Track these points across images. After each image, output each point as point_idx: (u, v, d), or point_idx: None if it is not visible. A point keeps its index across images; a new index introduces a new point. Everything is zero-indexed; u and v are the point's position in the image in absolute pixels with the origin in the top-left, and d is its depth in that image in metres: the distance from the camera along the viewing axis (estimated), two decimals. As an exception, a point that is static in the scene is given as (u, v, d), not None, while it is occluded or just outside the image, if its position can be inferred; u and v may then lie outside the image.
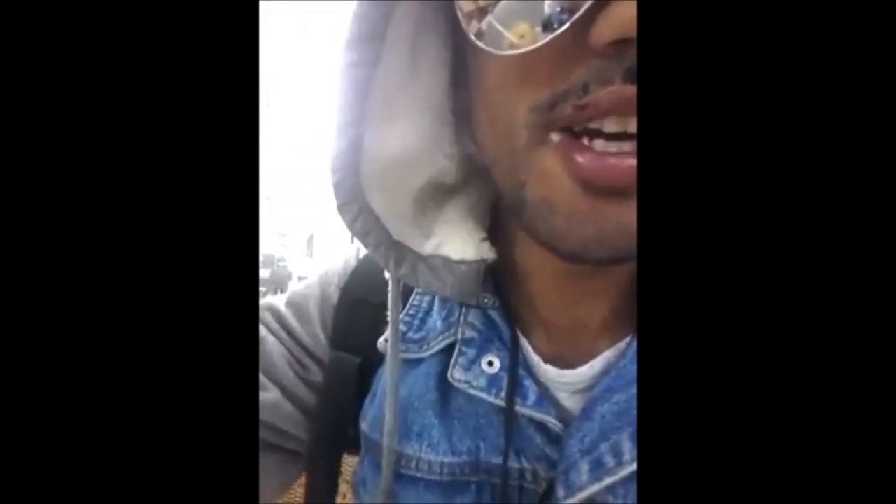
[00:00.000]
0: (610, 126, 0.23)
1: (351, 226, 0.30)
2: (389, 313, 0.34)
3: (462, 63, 0.30)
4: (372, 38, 0.26)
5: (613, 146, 0.23)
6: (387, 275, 0.34)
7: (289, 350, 0.39)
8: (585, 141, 0.23)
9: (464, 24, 0.23)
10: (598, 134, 0.23)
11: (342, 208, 0.30)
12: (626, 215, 0.23)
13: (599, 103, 0.22)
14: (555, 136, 0.24)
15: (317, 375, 0.40)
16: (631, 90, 0.21)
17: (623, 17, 0.20)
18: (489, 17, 0.22)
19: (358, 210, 0.30)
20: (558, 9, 0.21)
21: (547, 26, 0.21)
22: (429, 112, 0.31)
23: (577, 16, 0.20)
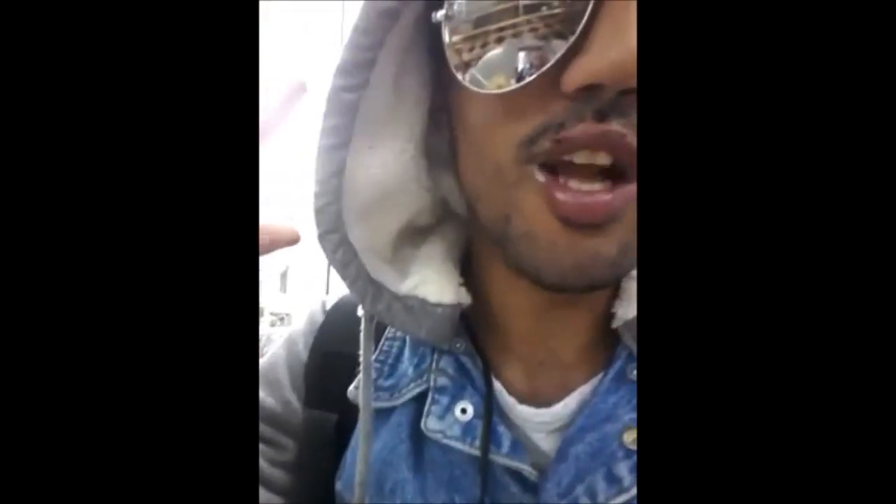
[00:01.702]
0: (580, 158, 0.25)
1: (331, 256, 0.30)
2: (362, 353, 0.33)
3: (440, 106, 0.32)
4: (363, 65, 0.27)
5: (587, 186, 0.25)
6: (360, 311, 0.34)
7: (262, 439, 0.38)
8: (563, 180, 0.25)
9: (454, 72, 0.25)
10: (570, 167, 0.25)
11: (323, 237, 0.30)
12: (600, 246, 0.25)
13: (575, 138, 0.24)
14: (539, 176, 0.26)
15: (291, 453, 0.38)
16: (600, 128, 0.24)
17: (589, 65, 0.22)
18: (471, 70, 0.25)
19: (338, 241, 0.30)
20: (528, 64, 0.23)
21: (520, 79, 0.24)
22: (410, 145, 0.31)
23: (544, 68, 0.23)
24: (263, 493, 0.36)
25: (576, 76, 0.22)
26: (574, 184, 0.25)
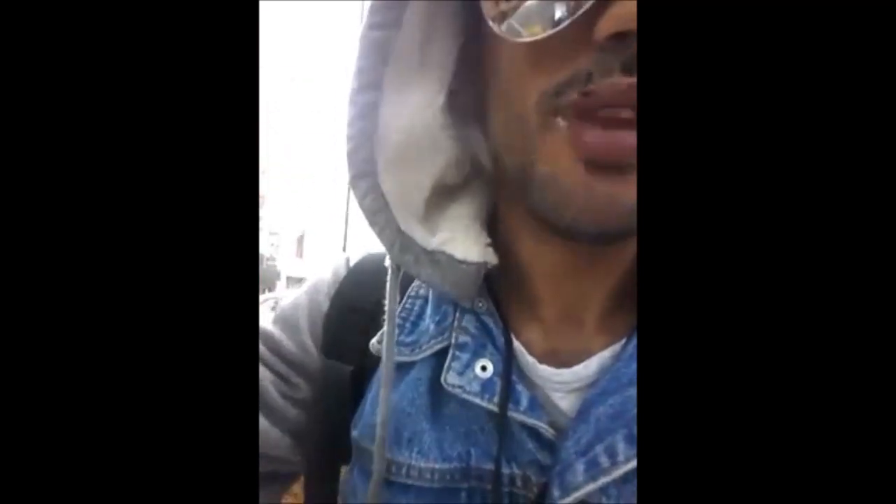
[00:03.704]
0: (604, 112, 0.25)
1: (361, 201, 0.31)
2: (387, 302, 0.34)
3: (470, 60, 0.32)
4: (396, 2, 0.27)
5: (612, 125, 0.25)
6: (387, 262, 0.34)
7: (276, 373, 0.39)
8: (588, 123, 0.25)
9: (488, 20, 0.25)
10: (593, 117, 0.25)
11: (354, 182, 0.30)
12: (620, 191, 0.25)
13: (601, 92, 0.24)
14: (561, 122, 0.26)
15: (305, 392, 0.39)
16: (628, 80, 0.24)
17: (622, 12, 0.22)
18: (509, 20, 0.25)
19: (369, 187, 0.30)
20: (566, 12, 0.23)
21: (556, 26, 0.24)
22: (440, 96, 0.31)
23: (579, 13, 0.23)
24: (272, 428, 0.38)
25: (609, 22, 0.22)
26: (599, 126, 0.25)
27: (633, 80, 0.23)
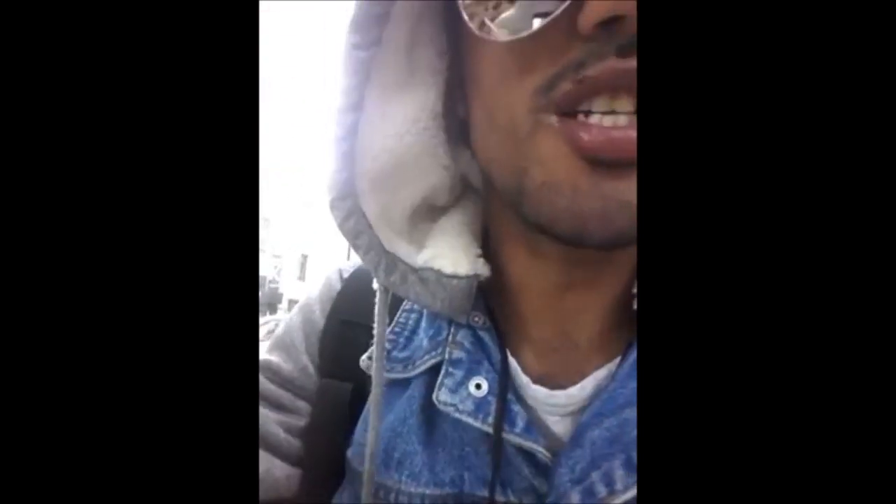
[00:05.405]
0: (599, 106, 0.24)
1: (342, 224, 0.30)
2: (376, 325, 0.33)
3: (458, 80, 0.31)
4: (376, 20, 0.27)
5: (609, 120, 0.24)
6: (375, 285, 0.33)
7: (278, 406, 0.38)
8: (583, 118, 0.24)
9: (467, 20, 0.25)
10: (589, 114, 0.24)
11: (334, 203, 0.30)
12: (628, 191, 0.24)
13: (597, 77, 0.23)
14: (553, 120, 0.25)
15: (308, 416, 0.38)
16: (625, 63, 0.22)
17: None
18: (489, 23, 0.24)
19: (350, 208, 0.30)
20: (548, 8, 0.22)
21: (539, 22, 0.22)
22: (423, 114, 0.31)
23: (561, 7, 0.22)
24: (277, 463, 0.36)
25: (593, 10, 0.21)
26: (596, 118, 0.24)
27: (631, 63, 0.22)
